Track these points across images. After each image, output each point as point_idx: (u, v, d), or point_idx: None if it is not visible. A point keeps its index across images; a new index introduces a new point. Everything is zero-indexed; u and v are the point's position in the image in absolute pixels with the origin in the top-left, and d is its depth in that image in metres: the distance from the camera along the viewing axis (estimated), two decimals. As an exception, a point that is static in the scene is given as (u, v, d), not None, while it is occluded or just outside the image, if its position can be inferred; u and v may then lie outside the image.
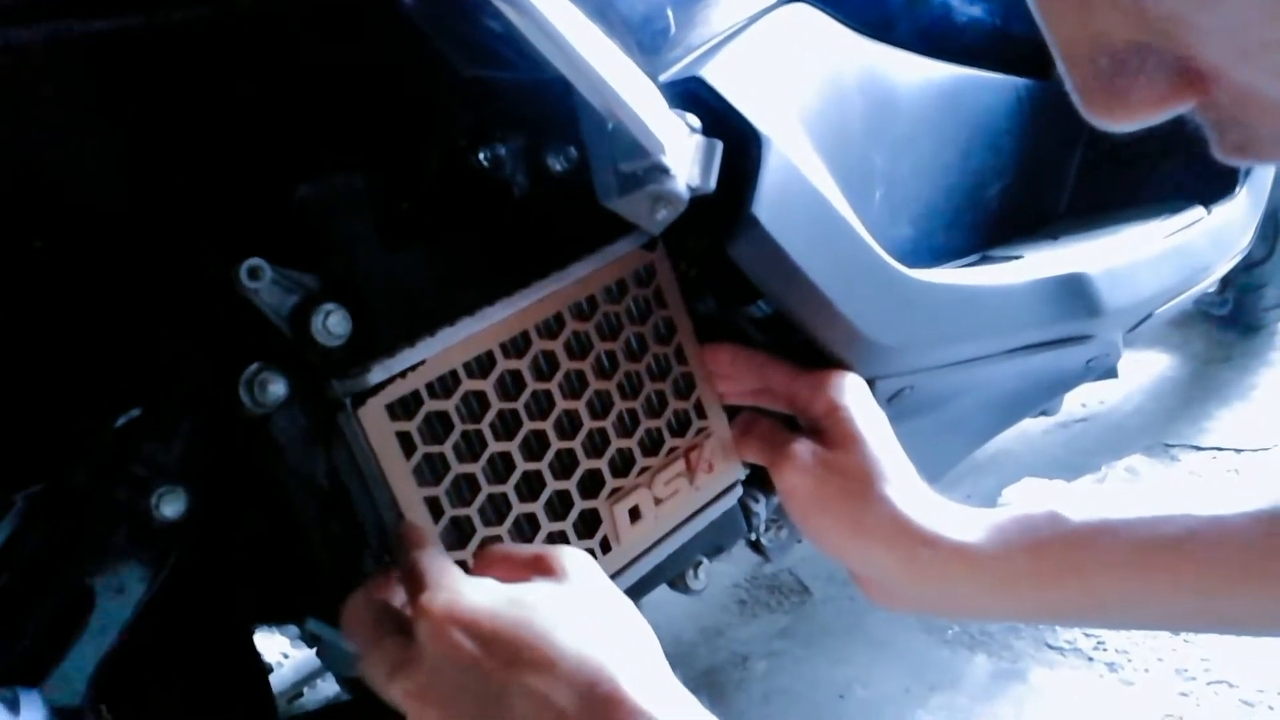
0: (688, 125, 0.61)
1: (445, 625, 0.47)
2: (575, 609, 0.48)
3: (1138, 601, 0.58)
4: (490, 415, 0.59)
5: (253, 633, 0.68)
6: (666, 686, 0.47)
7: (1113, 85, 0.27)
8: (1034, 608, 0.63)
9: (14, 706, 0.49)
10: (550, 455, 0.62)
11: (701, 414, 0.70)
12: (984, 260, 1.12)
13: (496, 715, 0.45)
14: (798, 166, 0.70)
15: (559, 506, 0.63)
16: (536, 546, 0.55)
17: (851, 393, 0.67)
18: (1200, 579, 0.56)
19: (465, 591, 0.48)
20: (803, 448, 0.66)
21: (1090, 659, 1.31)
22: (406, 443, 0.56)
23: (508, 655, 0.46)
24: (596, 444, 0.65)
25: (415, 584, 0.50)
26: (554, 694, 0.45)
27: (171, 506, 0.53)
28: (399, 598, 0.53)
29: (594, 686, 0.45)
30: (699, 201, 0.61)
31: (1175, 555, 0.56)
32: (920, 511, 0.62)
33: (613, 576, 0.63)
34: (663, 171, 0.58)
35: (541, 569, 0.51)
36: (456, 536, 0.58)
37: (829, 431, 0.66)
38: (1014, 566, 0.60)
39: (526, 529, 0.61)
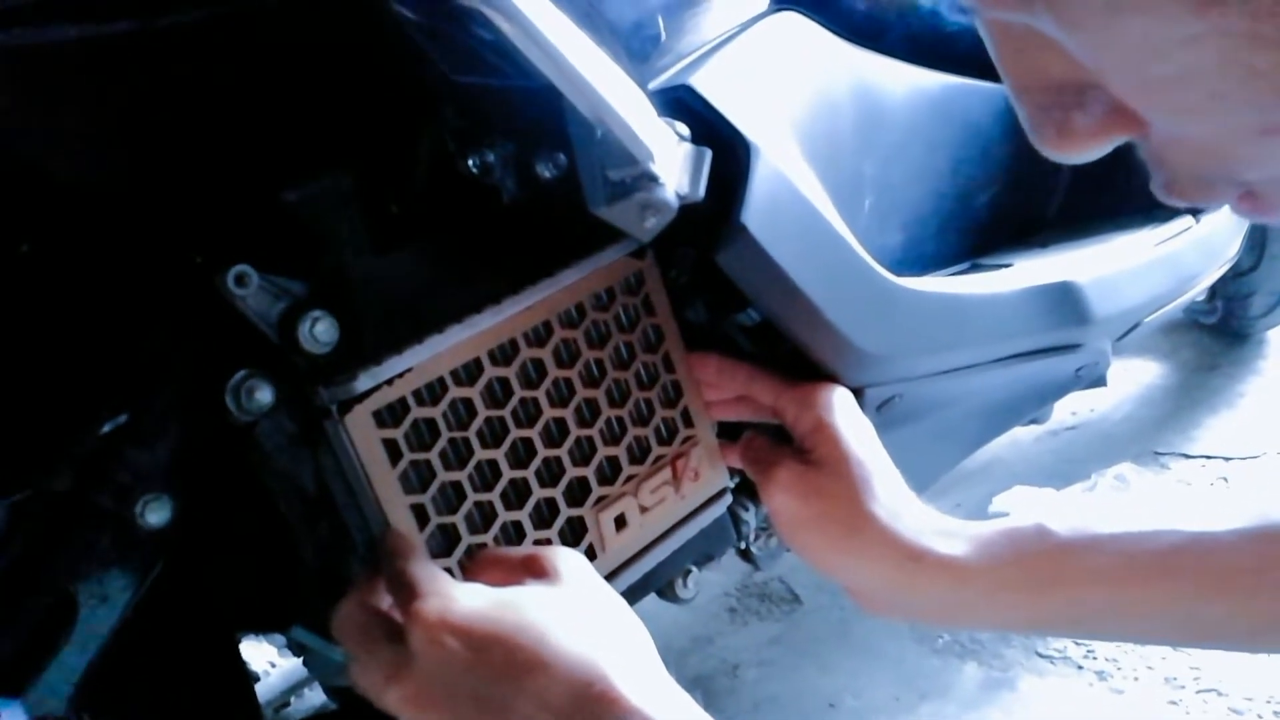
0: (677, 133, 0.61)
1: (439, 631, 0.47)
2: (569, 610, 0.48)
3: (1123, 615, 0.58)
4: (477, 423, 0.59)
5: (239, 641, 0.67)
6: (661, 685, 0.47)
7: (1054, 117, 0.29)
8: (1021, 620, 0.63)
9: (-5, 716, 0.49)
10: (537, 463, 0.62)
11: (688, 422, 0.70)
12: (973, 269, 1.13)
13: (493, 718, 0.45)
14: (787, 175, 0.70)
15: (545, 514, 0.63)
16: (529, 548, 0.54)
17: (838, 409, 0.66)
18: (1186, 594, 0.56)
19: (457, 597, 0.48)
20: (789, 469, 0.65)
21: (1080, 667, 1.31)
22: (393, 450, 0.55)
23: (502, 658, 0.46)
24: (583, 452, 0.65)
25: (406, 591, 0.50)
26: (549, 695, 0.45)
27: (156, 514, 0.53)
28: (388, 604, 0.53)
29: (589, 686, 0.45)
30: (688, 210, 0.61)
31: (1161, 570, 0.56)
32: (907, 526, 0.62)
33: (600, 585, 0.63)
34: (651, 179, 0.58)
35: (534, 570, 0.51)
36: (442, 543, 0.58)
37: (816, 450, 0.65)
38: (1001, 580, 0.60)
39: (512, 536, 0.61)
